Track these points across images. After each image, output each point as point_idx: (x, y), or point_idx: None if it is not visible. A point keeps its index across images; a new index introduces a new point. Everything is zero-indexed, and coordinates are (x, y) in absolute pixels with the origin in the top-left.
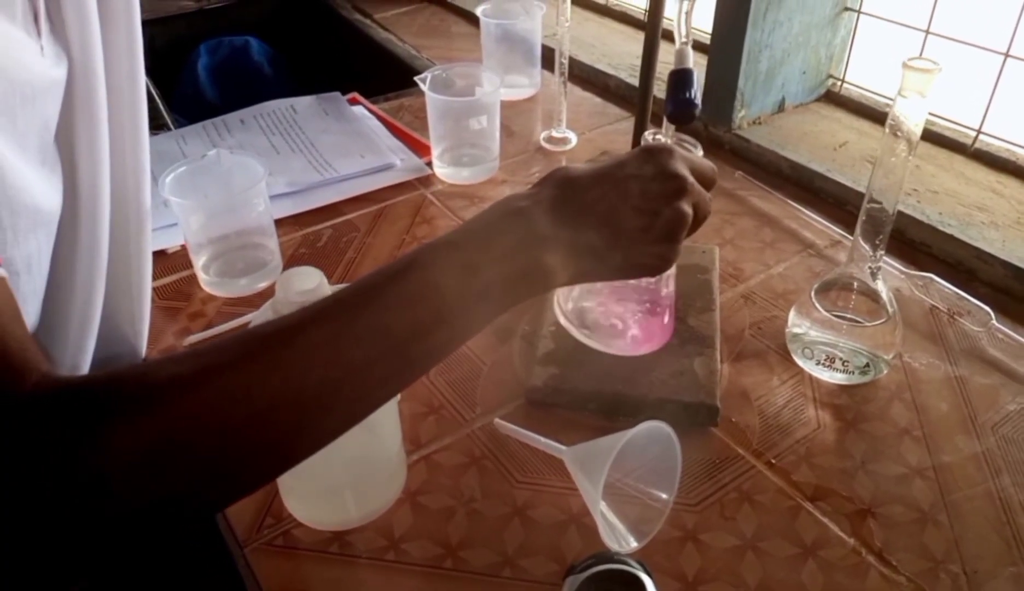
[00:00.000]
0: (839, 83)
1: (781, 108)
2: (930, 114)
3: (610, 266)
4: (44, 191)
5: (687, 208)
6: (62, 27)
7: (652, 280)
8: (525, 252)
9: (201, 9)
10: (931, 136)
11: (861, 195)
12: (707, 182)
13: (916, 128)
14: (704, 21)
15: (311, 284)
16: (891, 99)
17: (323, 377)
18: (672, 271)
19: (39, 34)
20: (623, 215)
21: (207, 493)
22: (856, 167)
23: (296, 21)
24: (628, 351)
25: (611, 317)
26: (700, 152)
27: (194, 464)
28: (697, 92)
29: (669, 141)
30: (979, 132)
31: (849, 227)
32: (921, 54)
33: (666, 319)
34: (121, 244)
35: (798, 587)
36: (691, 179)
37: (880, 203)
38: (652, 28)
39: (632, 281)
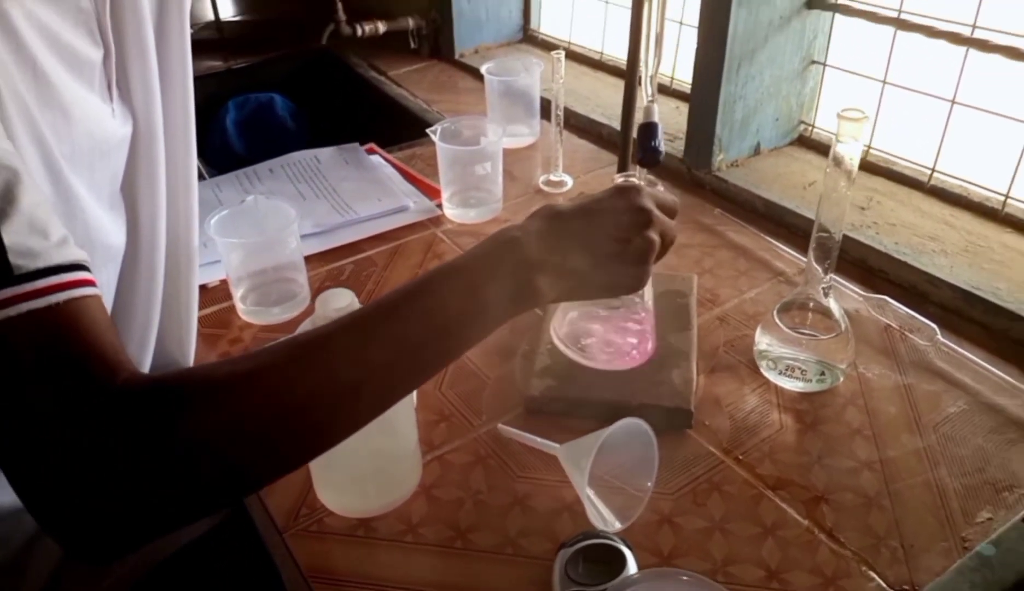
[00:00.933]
0: (810, 128)
1: (757, 151)
2: (891, 154)
3: (591, 286)
4: (113, 231)
5: (654, 236)
6: (128, 94)
7: (635, 301)
8: (518, 275)
9: (229, 69)
10: (892, 174)
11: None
12: (670, 213)
13: (853, 166)
14: (686, 73)
15: (344, 302)
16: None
17: (351, 375)
18: (650, 295)
19: (111, 99)
20: (600, 243)
21: (259, 467)
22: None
23: (317, 79)
24: (613, 366)
25: (598, 338)
26: (660, 187)
27: (248, 444)
28: (661, 141)
29: (639, 181)
30: (933, 170)
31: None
32: (880, 101)
33: (648, 340)
34: (173, 279)
35: (758, 561)
36: (656, 212)
37: (828, 231)
38: (629, 89)
39: (616, 307)
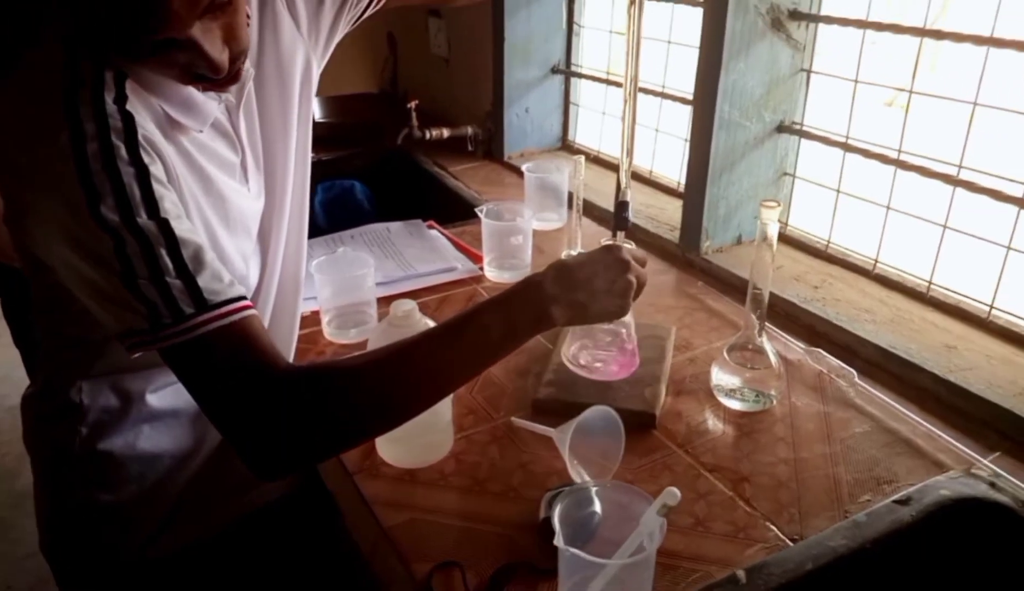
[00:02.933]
0: (784, 226)
1: (739, 242)
2: (845, 247)
3: (590, 313)
4: (252, 273)
5: (631, 278)
6: (258, 176)
7: (622, 330)
8: (539, 306)
9: (319, 160)
10: (845, 263)
11: (784, 300)
12: (642, 263)
13: (774, 240)
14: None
15: (409, 307)
16: (822, 238)
17: (431, 369)
18: (632, 324)
19: (247, 181)
20: (595, 283)
21: (374, 425)
22: (785, 282)
23: (390, 171)
24: (606, 377)
25: (595, 358)
26: (632, 245)
27: (369, 410)
28: (630, 213)
29: (619, 242)
30: (876, 261)
31: (773, 320)
32: (836, 205)
33: (632, 359)
34: (283, 306)
35: (691, 513)
36: (633, 262)
37: (760, 289)
38: (618, 183)
39: (608, 333)
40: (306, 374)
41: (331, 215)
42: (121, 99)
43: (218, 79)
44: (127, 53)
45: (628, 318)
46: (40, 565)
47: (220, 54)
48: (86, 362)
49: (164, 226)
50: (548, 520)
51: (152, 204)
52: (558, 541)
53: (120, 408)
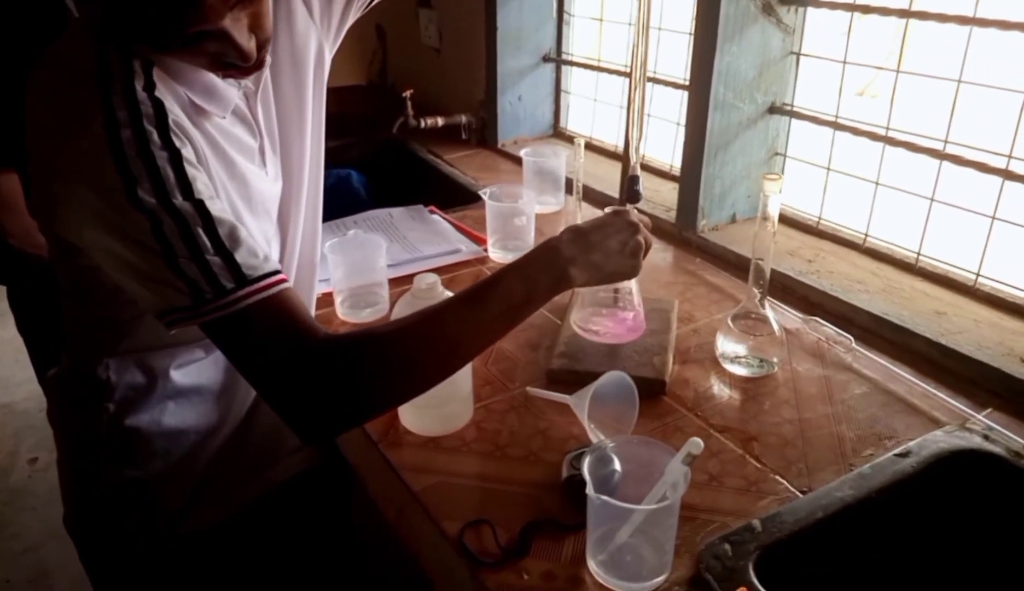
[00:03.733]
0: None
1: (733, 220)
2: (835, 222)
3: (604, 273)
4: (274, 254)
5: (641, 238)
6: (276, 160)
7: (629, 295)
8: (557, 268)
9: None
10: (836, 238)
11: (780, 273)
12: (647, 227)
13: (774, 214)
14: (678, 159)
15: (432, 280)
16: (813, 215)
17: (459, 332)
18: (638, 288)
19: (264, 165)
20: (607, 244)
21: (406, 388)
22: (780, 256)
23: (386, 159)
24: (616, 340)
25: (603, 321)
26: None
27: (401, 373)
28: (640, 186)
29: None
30: (867, 235)
31: (770, 292)
32: (826, 183)
33: (640, 321)
34: (299, 287)
35: (705, 470)
36: (640, 224)
37: (762, 259)
38: (625, 157)
39: (615, 296)
40: (343, 341)
41: (328, 204)
42: (150, 87)
43: (246, 66)
44: (160, 44)
45: (634, 283)
46: (38, 560)
47: (248, 43)
48: (112, 341)
49: (199, 206)
50: (571, 479)
51: (186, 185)
52: (589, 491)
53: (146, 385)
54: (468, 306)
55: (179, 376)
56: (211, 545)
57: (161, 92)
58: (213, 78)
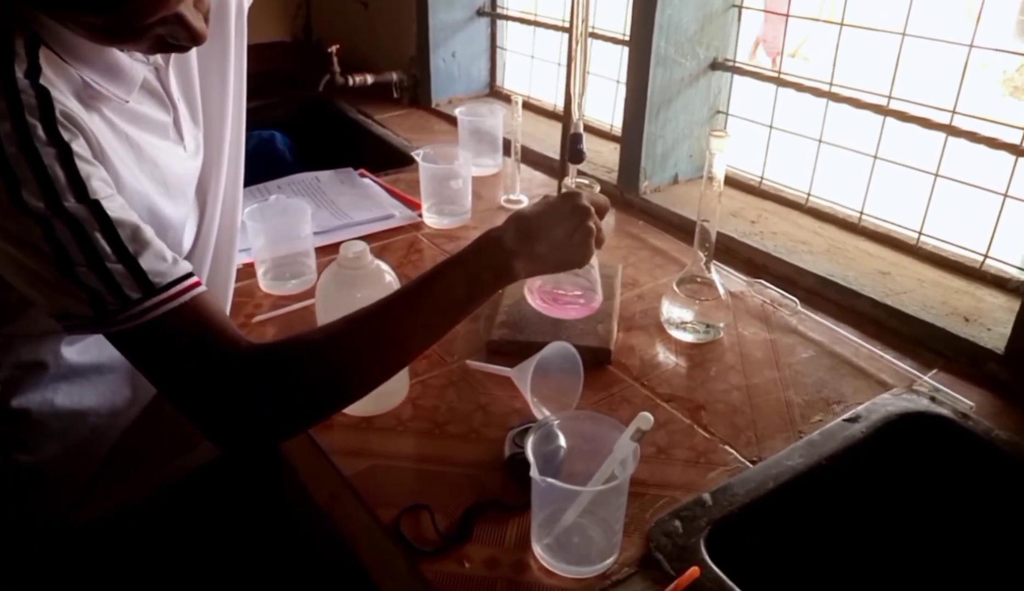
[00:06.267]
0: None
1: (675, 181)
2: (778, 183)
3: (551, 262)
4: (189, 233)
5: (591, 225)
6: (193, 132)
7: (588, 269)
8: (500, 261)
9: None
10: (778, 198)
11: (724, 235)
12: (602, 209)
13: (720, 174)
14: (618, 119)
15: (360, 249)
16: (756, 175)
17: (397, 335)
18: (596, 265)
19: (182, 141)
20: (555, 232)
21: (342, 398)
22: (723, 218)
23: (312, 120)
24: (567, 316)
25: (556, 295)
26: (598, 189)
27: (328, 385)
28: (584, 146)
29: (574, 185)
30: (809, 195)
31: (714, 255)
32: (768, 142)
33: (594, 296)
34: (218, 260)
35: (653, 443)
36: (591, 209)
37: (708, 221)
38: (566, 115)
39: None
40: (269, 352)
41: (251, 168)
42: (34, 72)
43: (195, 45)
44: (105, 32)
45: (595, 262)
46: None
47: (200, 22)
48: None
49: (96, 208)
50: (514, 457)
51: (79, 186)
52: (533, 473)
53: (34, 363)
54: (406, 305)
55: (73, 353)
56: (116, 534)
57: (47, 78)
58: (117, 55)
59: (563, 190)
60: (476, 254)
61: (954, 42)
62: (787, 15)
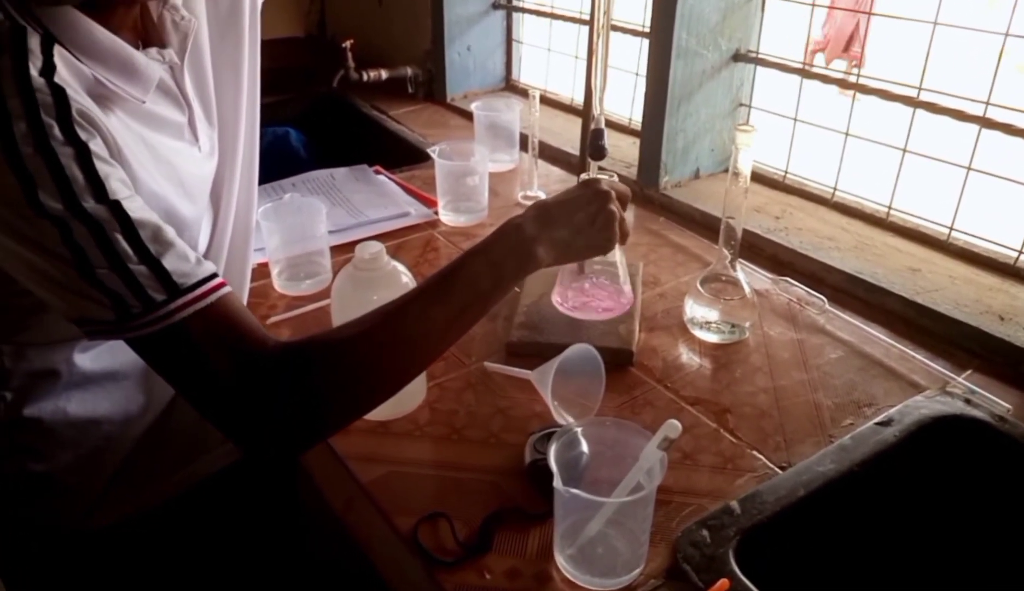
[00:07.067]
0: None
1: (697, 176)
2: (803, 178)
3: (574, 250)
4: (204, 233)
5: (614, 208)
6: (208, 133)
7: (611, 263)
8: (523, 249)
9: None
10: (803, 193)
11: (747, 231)
12: (623, 197)
13: (746, 169)
14: (637, 113)
15: (376, 250)
16: (779, 169)
17: (421, 331)
18: (622, 263)
19: (197, 142)
20: (577, 218)
21: (365, 399)
22: (747, 213)
23: (326, 116)
24: (598, 318)
25: (584, 297)
26: (615, 178)
27: (357, 384)
28: (606, 142)
29: (598, 175)
30: (835, 189)
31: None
32: (793, 135)
33: (623, 294)
34: (233, 261)
35: (679, 448)
36: (613, 194)
37: (733, 218)
38: (586, 110)
39: (597, 270)
40: (297, 350)
41: (265, 165)
42: (49, 70)
43: None
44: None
45: (616, 255)
46: None
47: None
48: (7, 331)
49: (116, 209)
50: (535, 463)
51: (99, 186)
52: (557, 483)
53: (47, 372)
54: (431, 299)
55: (86, 361)
56: (129, 540)
57: (62, 77)
58: (133, 54)
59: (582, 178)
60: (498, 243)
61: (989, 31)
62: (812, 4)
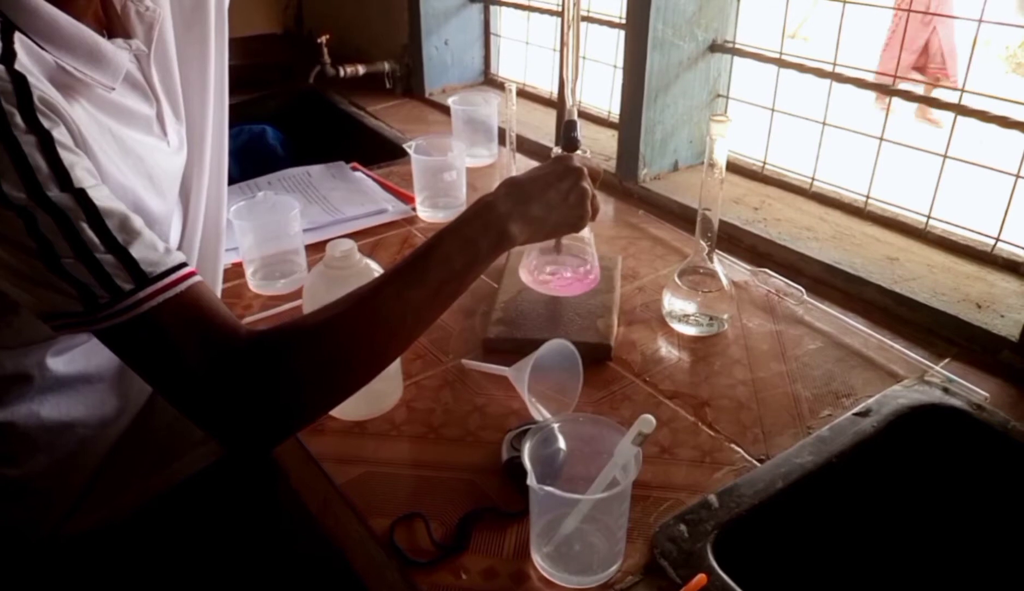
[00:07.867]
0: None
1: (676, 168)
2: (781, 168)
3: (547, 226)
4: (175, 229)
5: (586, 185)
6: (176, 127)
7: (582, 239)
8: (496, 226)
9: None
10: (781, 184)
11: (726, 222)
12: (595, 174)
13: (722, 159)
14: (615, 105)
15: (347, 247)
16: (758, 160)
17: (396, 313)
18: (591, 237)
19: (165, 136)
20: (549, 194)
21: (341, 385)
22: (725, 205)
23: (303, 113)
24: (566, 293)
25: (555, 273)
26: (589, 153)
27: (331, 370)
28: (578, 132)
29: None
30: (813, 179)
31: (717, 243)
32: (770, 125)
33: (593, 271)
34: (204, 260)
35: (656, 443)
36: (584, 171)
37: (709, 209)
38: (561, 102)
39: (566, 244)
40: (270, 338)
41: (242, 164)
42: (8, 57)
43: None
44: None
45: (585, 231)
46: None
47: None
48: None
49: (81, 197)
50: (512, 461)
51: (63, 174)
52: (531, 481)
53: (20, 375)
54: (406, 280)
55: (60, 364)
56: (104, 545)
57: (23, 64)
58: (98, 40)
59: (554, 154)
60: (471, 221)
61: (964, 17)
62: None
